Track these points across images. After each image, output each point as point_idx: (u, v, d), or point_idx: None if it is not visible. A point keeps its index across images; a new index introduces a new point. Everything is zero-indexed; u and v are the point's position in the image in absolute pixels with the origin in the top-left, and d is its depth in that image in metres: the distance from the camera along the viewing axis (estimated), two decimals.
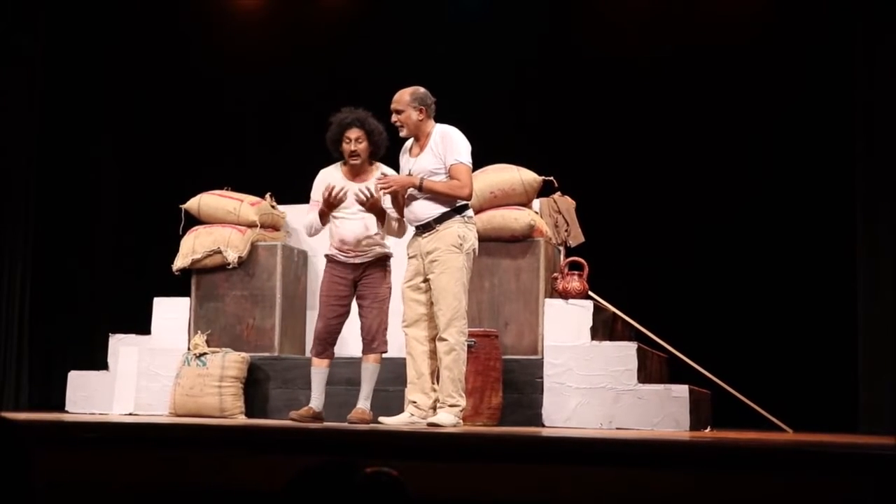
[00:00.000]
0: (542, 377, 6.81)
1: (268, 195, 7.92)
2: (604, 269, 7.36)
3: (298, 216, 7.45)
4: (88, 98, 9.60)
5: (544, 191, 7.46)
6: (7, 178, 8.93)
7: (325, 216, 6.38)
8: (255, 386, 7.29)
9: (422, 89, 6.06)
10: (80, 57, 9.53)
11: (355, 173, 6.51)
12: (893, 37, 7.75)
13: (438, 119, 6.10)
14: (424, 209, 5.95)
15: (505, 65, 9.09)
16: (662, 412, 6.53)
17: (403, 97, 6.04)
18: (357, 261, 6.48)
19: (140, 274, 9.14)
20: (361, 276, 6.49)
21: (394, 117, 6.08)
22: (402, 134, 6.09)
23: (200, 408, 7.10)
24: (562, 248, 7.50)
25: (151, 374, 7.57)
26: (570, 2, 9.30)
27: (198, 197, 7.85)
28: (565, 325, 6.94)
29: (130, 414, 7.46)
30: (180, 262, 7.64)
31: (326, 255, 6.60)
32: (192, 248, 7.63)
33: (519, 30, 9.13)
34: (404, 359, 6.13)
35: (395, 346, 6.56)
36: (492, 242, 6.95)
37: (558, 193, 7.53)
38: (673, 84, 8.83)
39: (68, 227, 9.43)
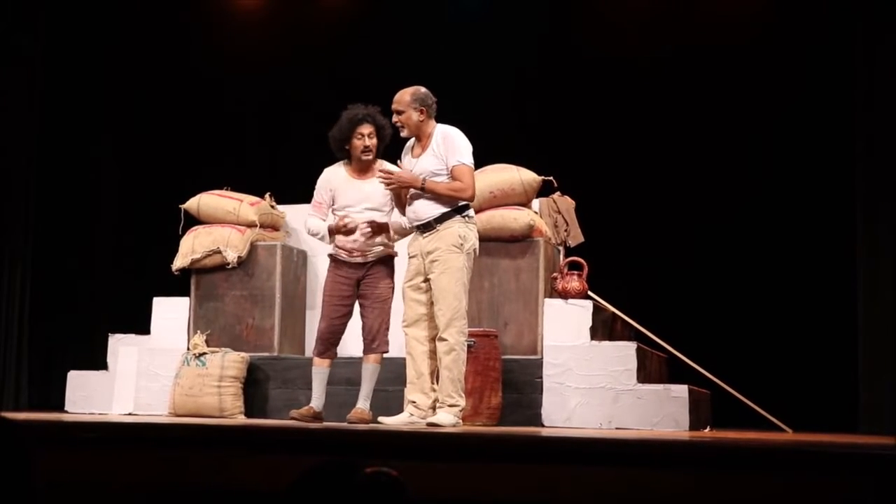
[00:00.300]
0: (541, 377, 6.81)
1: (267, 195, 7.92)
2: (603, 269, 7.36)
3: (298, 216, 7.45)
4: (88, 98, 9.60)
5: (544, 191, 7.46)
6: (7, 178, 8.93)
7: (332, 235, 6.40)
8: (254, 386, 7.29)
9: (422, 89, 6.06)
10: (80, 57, 9.53)
11: (361, 171, 6.50)
12: (893, 37, 7.75)
13: (438, 119, 6.09)
14: (425, 209, 5.96)
15: (505, 65, 9.09)
16: (662, 412, 6.52)
17: (404, 97, 6.03)
18: (361, 260, 6.47)
19: (140, 274, 9.14)
20: (365, 275, 6.48)
21: (394, 118, 6.08)
22: (403, 134, 6.09)
23: (200, 408, 7.10)
24: (561, 248, 7.50)
25: (151, 374, 7.56)
26: (571, 2, 9.30)
27: (197, 197, 7.85)
28: (565, 325, 6.94)
29: (130, 414, 7.46)
30: (180, 261, 7.65)
31: (330, 255, 6.60)
32: (191, 247, 7.63)
33: (519, 30, 9.13)
34: (404, 359, 6.13)
35: (396, 346, 6.55)
36: (491, 242, 6.95)
37: (558, 193, 7.53)
38: (673, 84, 8.83)
39: (68, 227, 9.43)
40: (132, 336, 7.80)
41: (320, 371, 6.52)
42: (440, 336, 5.86)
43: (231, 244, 7.57)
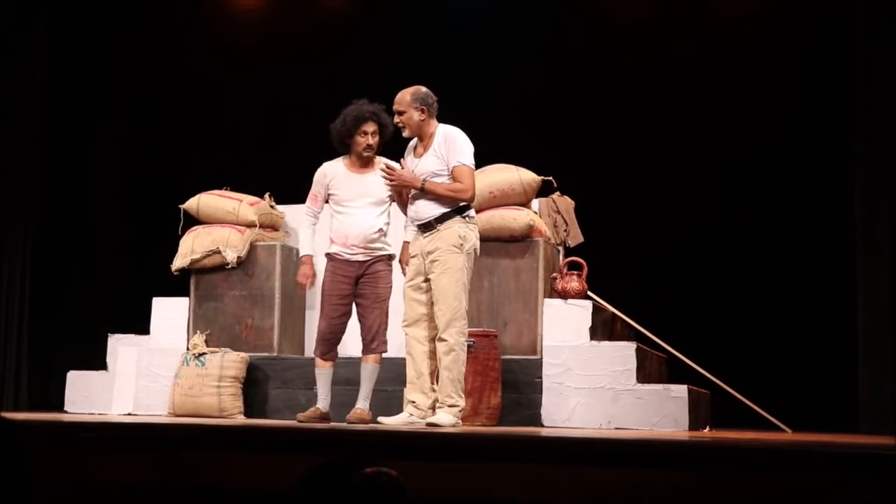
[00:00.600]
0: (541, 377, 6.81)
1: (267, 195, 7.92)
2: (603, 269, 7.36)
3: (298, 216, 7.43)
4: (88, 98, 9.60)
5: (543, 191, 7.46)
6: (7, 177, 8.92)
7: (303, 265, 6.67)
8: (254, 386, 7.29)
9: (423, 89, 6.06)
10: (80, 57, 9.52)
11: (361, 165, 6.51)
12: (893, 37, 7.74)
13: (439, 119, 6.10)
14: (426, 209, 5.96)
15: (505, 64, 9.08)
16: (661, 412, 6.52)
17: (404, 98, 6.04)
18: (360, 258, 6.47)
19: (140, 274, 9.13)
20: (364, 273, 6.47)
21: (396, 118, 6.09)
22: (405, 134, 6.10)
23: (199, 408, 7.10)
24: (561, 248, 7.50)
25: (150, 374, 7.56)
26: (571, 2, 9.30)
27: (197, 197, 7.85)
28: (564, 325, 6.94)
29: (129, 414, 7.46)
30: (179, 262, 7.64)
31: (327, 254, 6.59)
32: (191, 248, 7.63)
33: (519, 30, 9.13)
34: (404, 359, 6.13)
35: (395, 345, 6.56)
36: (491, 242, 6.95)
37: (557, 193, 7.53)
38: (673, 84, 8.82)
39: (68, 227, 9.42)
40: (132, 336, 7.80)
41: (324, 372, 6.52)
42: (440, 336, 5.86)
43: (230, 244, 7.57)
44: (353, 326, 6.63)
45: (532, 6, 9.16)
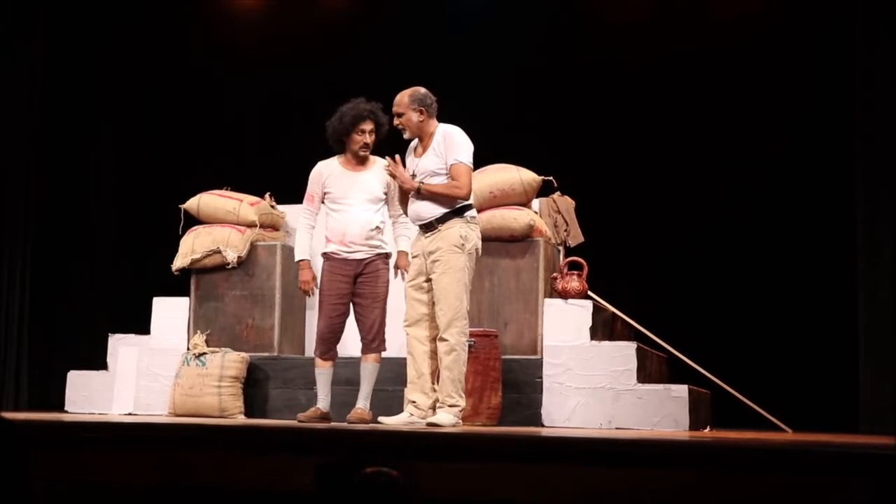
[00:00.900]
0: (541, 377, 6.81)
1: (267, 195, 7.92)
2: (603, 269, 7.36)
3: (298, 216, 7.44)
4: (88, 98, 9.60)
5: (544, 190, 7.46)
6: (7, 177, 8.92)
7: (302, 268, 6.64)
8: (254, 386, 7.29)
9: (421, 90, 6.06)
10: (80, 57, 9.53)
11: (357, 163, 6.51)
12: (893, 37, 7.74)
13: (439, 119, 6.10)
14: (427, 209, 5.96)
15: (505, 64, 9.08)
16: (662, 412, 6.53)
17: (403, 99, 6.04)
18: (358, 256, 6.46)
19: (140, 274, 9.14)
20: (361, 272, 6.47)
21: (395, 120, 6.10)
22: (406, 136, 6.11)
23: (200, 408, 7.10)
24: (561, 248, 7.50)
25: (151, 373, 7.57)
26: (571, 2, 9.30)
27: (197, 197, 7.85)
28: (565, 324, 6.94)
29: (130, 414, 7.46)
30: (180, 261, 7.65)
31: (324, 254, 6.58)
32: (191, 247, 7.63)
33: (519, 30, 9.13)
34: (404, 358, 6.13)
35: (395, 345, 6.56)
36: (491, 242, 6.94)
37: (557, 193, 7.53)
38: (673, 84, 8.83)
39: (68, 227, 9.42)
40: (132, 336, 7.80)
41: (324, 372, 6.52)
42: (441, 336, 5.86)
43: (231, 244, 7.57)
44: (353, 326, 6.63)
45: (532, 6, 9.16)
